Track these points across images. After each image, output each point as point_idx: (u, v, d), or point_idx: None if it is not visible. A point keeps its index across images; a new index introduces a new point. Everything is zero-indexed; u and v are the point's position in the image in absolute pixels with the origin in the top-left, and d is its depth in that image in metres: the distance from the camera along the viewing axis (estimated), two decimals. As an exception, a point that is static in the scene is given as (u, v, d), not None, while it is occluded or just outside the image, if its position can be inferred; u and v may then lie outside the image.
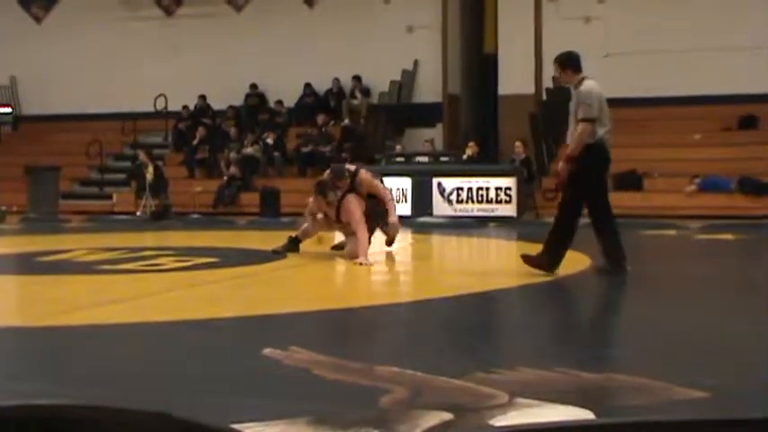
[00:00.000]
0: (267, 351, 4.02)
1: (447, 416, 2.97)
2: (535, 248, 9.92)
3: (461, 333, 4.96)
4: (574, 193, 7.12)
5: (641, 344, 4.45)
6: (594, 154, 7.02)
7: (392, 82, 20.41)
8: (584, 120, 7.00)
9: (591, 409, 3.03)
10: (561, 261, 7.06)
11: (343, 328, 5.13)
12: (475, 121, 21.37)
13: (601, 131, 7.03)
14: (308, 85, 21.01)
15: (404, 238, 12.24)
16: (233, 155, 19.25)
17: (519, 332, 5.20)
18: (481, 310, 6.02)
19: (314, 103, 20.90)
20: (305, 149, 19.14)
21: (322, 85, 21.07)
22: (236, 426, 2.54)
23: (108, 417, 0.98)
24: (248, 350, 4.20)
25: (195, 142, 20.41)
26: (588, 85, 7.11)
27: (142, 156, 18.39)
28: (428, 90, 20.45)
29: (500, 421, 2.94)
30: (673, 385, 3.34)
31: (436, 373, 3.56)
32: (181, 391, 3.45)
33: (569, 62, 7.22)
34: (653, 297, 6.35)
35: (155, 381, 3.68)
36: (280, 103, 21.05)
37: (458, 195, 15.53)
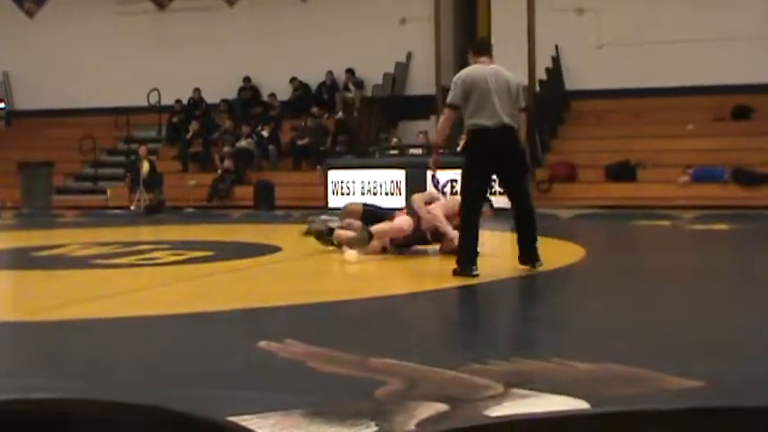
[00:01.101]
0: (262, 344, 4.03)
1: (442, 407, 2.99)
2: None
3: (455, 324, 4.97)
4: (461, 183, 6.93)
5: (635, 334, 4.46)
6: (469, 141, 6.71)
7: (385, 74, 20.40)
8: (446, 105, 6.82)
9: (585, 399, 3.04)
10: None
11: (338, 321, 5.14)
12: (468, 113, 21.35)
13: (477, 119, 6.56)
14: (293, 79, 21.02)
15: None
16: (227, 148, 19.24)
17: (513, 323, 5.22)
18: (475, 301, 6.03)
19: (303, 96, 20.90)
20: (301, 142, 19.12)
21: (315, 78, 21.05)
22: (231, 418, 2.54)
23: (103, 410, 0.99)
24: (243, 343, 4.21)
25: (189, 136, 20.38)
26: (464, 70, 6.83)
27: (142, 150, 18.39)
28: (422, 82, 20.43)
29: (495, 412, 2.95)
30: (666, 375, 3.36)
31: (431, 364, 3.57)
32: (176, 384, 3.46)
33: (470, 45, 7.10)
34: (646, 287, 6.37)
35: (150, 374, 3.69)
36: (273, 96, 21.03)
37: (452, 187, 15.52)
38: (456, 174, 15.35)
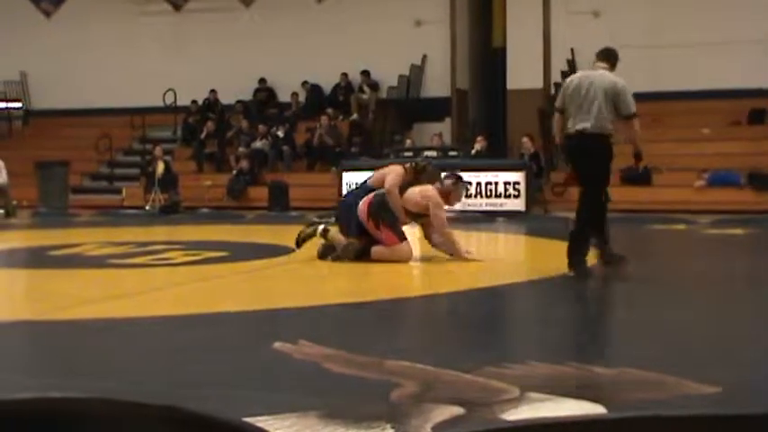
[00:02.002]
0: (277, 345, 4.02)
1: (457, 410, 2.97)
2: (543, 243, 9.93)
3: (472, 327, 4.95)
4: None
5: (653, 339, 4.43)
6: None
7: (401, 76, 20.39)
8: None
9: (602, 404, 3.02)
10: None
11: (353, 322, 5.12)
12: (483, 115, 21.34)
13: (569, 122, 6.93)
14: (305, 83, 21.09)
15: (411, 233, 12.23)
16: (241, 149, 19.28)
17: (529, 327, 5.20)
18: (491, 304, 6.01)
19: (316, 98, 20.95)
20: (325, 141, 19.06)
21: (330, 80, 21.08)
22: (246, 419, 2.54)
23: (118, 410, 0.98)
24: (258, 344, 4.20)
25: (204, 136, 20.43)
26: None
27: (158, 151, 18.45)
28: (436, 84, 20.42)
29: (511, 416, 2.93)
30: (684, 380, 3.33)
31: (447, 367, 3.56)
32: (191, 385, 3.46)
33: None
34: (663, 292, 6.33)
35: (165, 375, 3.69)
36: (295, 95, 21.08)
37: (466, 190, 15.49)
38: (470, 176, 15.42)
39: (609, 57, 7.05)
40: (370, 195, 8.03)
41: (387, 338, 4.58)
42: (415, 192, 8.02)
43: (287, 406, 3.00)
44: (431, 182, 8.24)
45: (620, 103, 6.79)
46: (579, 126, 6.74)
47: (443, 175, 8.52)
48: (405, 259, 7.86)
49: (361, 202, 8.01)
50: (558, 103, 7.11)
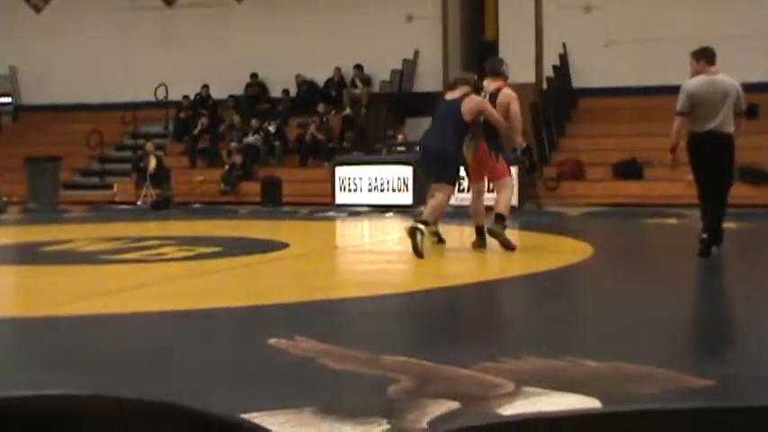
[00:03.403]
0: (272, 341, 4.02)
1: (454, 405, 2.98)
2: (537, 238, 9.94)
3: (467, 322, 4.96)
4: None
5: (646, 332, 4.44)
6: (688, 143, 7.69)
7: (393, 71, 20.38)
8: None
9: (598, 398, 3.03)
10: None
11: (349, 318, 5.13)
12: (475, 109, 21.33)
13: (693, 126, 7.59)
14: (297, 76, 21.09)
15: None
16: (234, 144, 19.26)
17: (524, 321, 5.20)
18: (485, 299, 6.02)
19: (309, 93, 20.93)
20: (318, 136, 19.04)
21: (323, 74, 21.05)
22: (243, 415, 2.54)
23: (114, 407, 0.98)
24: (254, 339, 4.20)
25: (196, 131, 20.40)
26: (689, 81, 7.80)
27: (149, 146, 18.41)
28: (429, 79, 20.41)
29: (507, 410, 2.94)
30: (679, 373, 3.34)
31: (443, 362, 3.56)
32: (187, 381, 3.46)
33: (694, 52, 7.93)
34: (657, 286, 6.35)
35: (160, 370, 3.69)
36: (286, 92, 21.05)
37: (459, 184, 15.50)
38: (463, 171, 15.44)
39: (714, 59, 7.81)
40: (470, 132, 8.14)
41: (382, 333, 4.58)
42: (499, 101, 8.31)
43: (283, 402, 2.99)
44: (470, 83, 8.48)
45: (740, 102, 7.68)
46: (712, 126, 7.45)
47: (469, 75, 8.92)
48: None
49: (472, 141, 8.11)
50: (683, 108, 7.66)
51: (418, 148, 8.23)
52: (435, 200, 8.10)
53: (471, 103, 8.13)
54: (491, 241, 7.94)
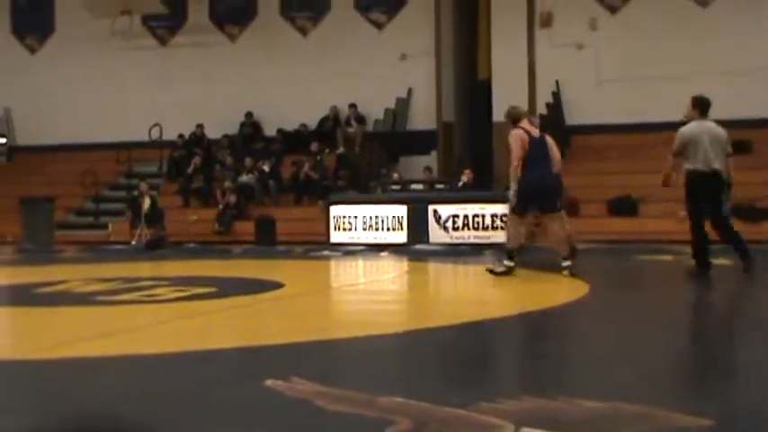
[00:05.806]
0: (268, 382, 4.00)
1: (452, 447, 2.95)
2: (531, 275, 9.93)
3: (464, 362, 4.93)
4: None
5: (644, 372, 4.43)
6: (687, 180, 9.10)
7: (386, 110, 20.49)
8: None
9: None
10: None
11: (345, 359, 5.10)
12: (469, 147, 21.44)
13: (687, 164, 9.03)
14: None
15: (400, 267, 12.22)
16: (227, 183, 19.28)
17: (521, 360, 5.18)
18: (482, 338, 5.99)
19: (302, 132, 21.05)
20: (303, 178, 19.13)
21: (316, 114, 21.14)
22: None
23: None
24: (249, 381, 4.18)
25: (190, 171, 20.43)
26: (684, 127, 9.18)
27: (143, 186, 18.43)
28: (422, 117, 20.54)
29: (506, 452, 2.92)
30: (676, 413, 3.33)
31: (440, 403, 3.54)
32: (182, 423, 3.43)
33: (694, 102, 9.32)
34: (653, 324, 6.34)
35: (156, 414, 3.66)
36: (280, 132, 21.13)
37: (453, 222, 15.53)
38: (458, 209, 15.49)
39: (708, 111, 9.21)
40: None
41: (379, 374, 4.56)
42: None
43: (280, 445, 2.97)
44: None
45: (727, 146, 9.22)
46: (715, 166, 8.95)
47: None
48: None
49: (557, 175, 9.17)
50: (677, 150, 9.14)
51: (527, 183, 8.97)
52: (559, 234, 9.03)
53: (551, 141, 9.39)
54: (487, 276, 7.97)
